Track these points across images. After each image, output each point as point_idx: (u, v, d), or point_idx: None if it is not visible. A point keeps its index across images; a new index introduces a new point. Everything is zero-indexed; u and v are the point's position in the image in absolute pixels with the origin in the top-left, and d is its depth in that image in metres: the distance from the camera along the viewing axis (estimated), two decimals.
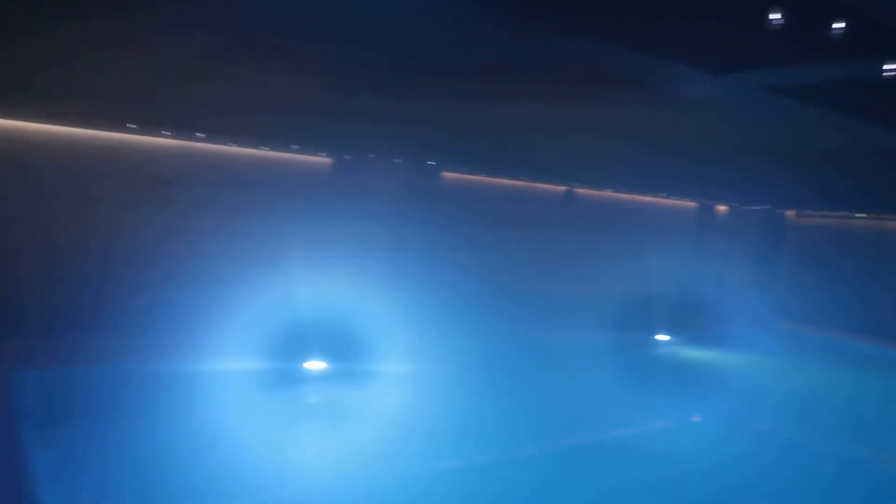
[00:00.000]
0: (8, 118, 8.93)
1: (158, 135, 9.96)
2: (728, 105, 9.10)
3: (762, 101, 8.16)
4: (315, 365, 9.94)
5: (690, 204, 17.69)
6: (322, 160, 11.62)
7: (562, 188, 15.01)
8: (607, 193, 15.91)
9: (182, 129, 9.83)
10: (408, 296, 11.10)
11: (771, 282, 17.86)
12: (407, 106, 9.50)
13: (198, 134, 10.04)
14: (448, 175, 13.24)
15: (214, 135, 10.20)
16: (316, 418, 8.42)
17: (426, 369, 10.40)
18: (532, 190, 14.64)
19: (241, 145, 10.75)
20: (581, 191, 15.33)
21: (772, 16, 3.80)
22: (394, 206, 11.92)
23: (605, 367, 12.22)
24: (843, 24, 3.34)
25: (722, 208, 18.11)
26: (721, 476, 7.36)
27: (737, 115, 10.46)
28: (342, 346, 10.07)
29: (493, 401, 9.58)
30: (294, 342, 9.91)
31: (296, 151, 11.27)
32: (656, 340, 15.60)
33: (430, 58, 7.37)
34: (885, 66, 3.73)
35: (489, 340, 12.63)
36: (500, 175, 13.83)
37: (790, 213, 18.79)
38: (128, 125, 9.41)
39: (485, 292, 13.28)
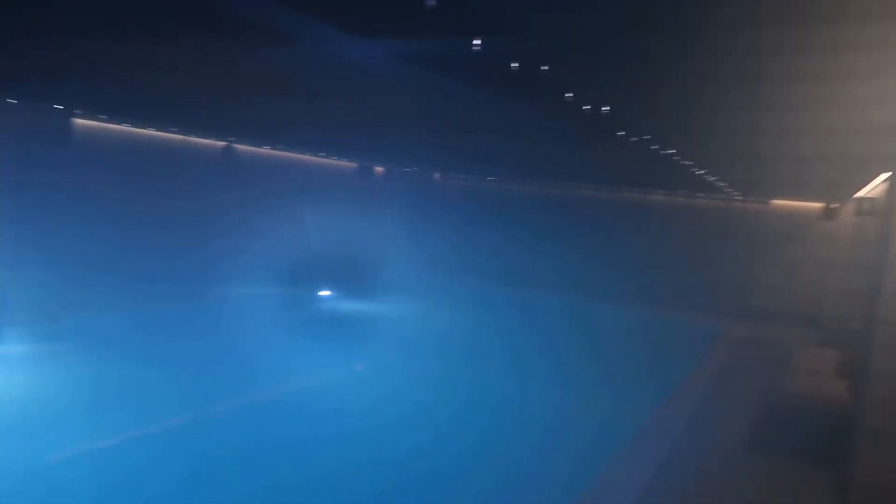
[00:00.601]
0: None
1: None
2: (374, 70, 9.59)
3: (403, 69, 8.78)
4: None
5: (350, 164, 18.44)
6: None
7: (220, 143, 14.37)
8: (269, 151, 15.71)
9: None
10: (38, 260, 9.63)
11: (421, 237, 19.64)
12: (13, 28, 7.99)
13: None
14: (82, 122, 11.67)
15: None
16: None
17: (61, 337, 9.23)
18: (187, 144, 13.73)
19: None
20: (241, 147, 14.87)
21: None
22: (5, 156, 10.09)
23: (268, 324, 12.24)
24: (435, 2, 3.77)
25: (379, 169, 19.26)
26: (372, 415, 7.90)
27: (384, 80, 11.09)
28: None
29: (143, 368, 8.92)
30: None
31: None
32: (319, 296, 16.12)
33: None
34: (474, 42, 4.36)
35: (137, 305, 11.67)
36: (149, 125, 12.65)
37: (437, 175, 20.84)
38: None
39: (137, 254, 12.15)
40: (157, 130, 12.92)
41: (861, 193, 11.56)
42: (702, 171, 11.97)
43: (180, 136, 13.52)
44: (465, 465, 6.72)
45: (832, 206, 14.61)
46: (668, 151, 9.36)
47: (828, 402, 9.44)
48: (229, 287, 13.71)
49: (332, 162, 17.79)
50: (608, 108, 6.23)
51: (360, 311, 15.46)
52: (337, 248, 17.15)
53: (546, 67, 4.75)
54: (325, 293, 16.32)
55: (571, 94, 5.48)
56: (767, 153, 9.15)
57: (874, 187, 10.28)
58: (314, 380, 9.86)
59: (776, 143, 8.24)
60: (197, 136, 13.81)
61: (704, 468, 6.61)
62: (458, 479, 6.41)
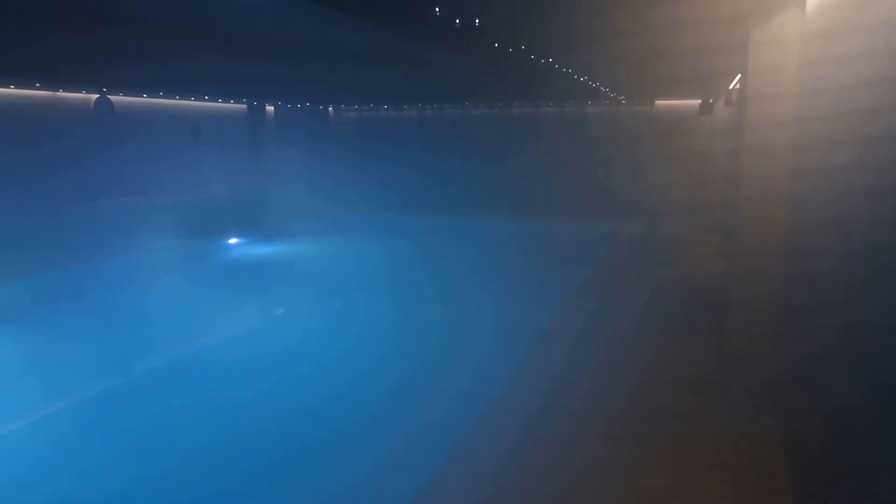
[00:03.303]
0: None
1: None
2: (255, 4, 9.23)
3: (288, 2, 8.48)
4: None
5: (240, 106, 17.84)
6: None
7: (93, 96, 13.56)
8: (149, 100, 14.97)
9: None
10: None
11: (321, 173, 19.44)
12: None
13: None
14: None
15: None
16: None
17: None
18: (56, 100, 12.90)
19: None
20: (118, 98, 14.09)
21: None
22: None
23: (186, 278, 12.04)
24: None
25: (270, 108, 18.73)
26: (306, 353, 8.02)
27: (268, 16, 10.70)
28: None
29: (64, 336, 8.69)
30: None
31: None
32: (229, 244, 15.84)
33: None
34: None
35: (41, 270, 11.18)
36: (6, 83, 11.79)
37: (330, 109, 20.48)
38: None
39: (29, 221, 11.54)
40: (21, 88, 12.07)
41: (731, 86, 12.29)
42: (584, 79, 12.36)
43: (48, 92, 12.68)
44: (423, 369, 7.08)
45: (709, 101, 15.44)
46: (547, 60, 9.62)
47: (709, 279, 10.35)
48: (136, 244, 13.25)
49: (220, 105, 17.15)
50: (478, 20, 6.36)
51: (273, 254, 15.35)
52: (239, 193, 16.79)
53: None
54: (234, 241, 16.06)
55: (439, 10, 5.56)
56: (642, 53, 9.55)
57: (739, 79, 10.97)
58: (252, 327, 9.87)
59: (648, 42, 8.61)
60: (66, 91, 12.98)
61: (604, 346, 7.24)
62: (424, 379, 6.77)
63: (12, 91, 12.02)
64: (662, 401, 5.74)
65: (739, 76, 9.97)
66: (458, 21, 6.14)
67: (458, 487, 4.49)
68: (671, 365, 6.70)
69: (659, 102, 17.73)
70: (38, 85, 12.18)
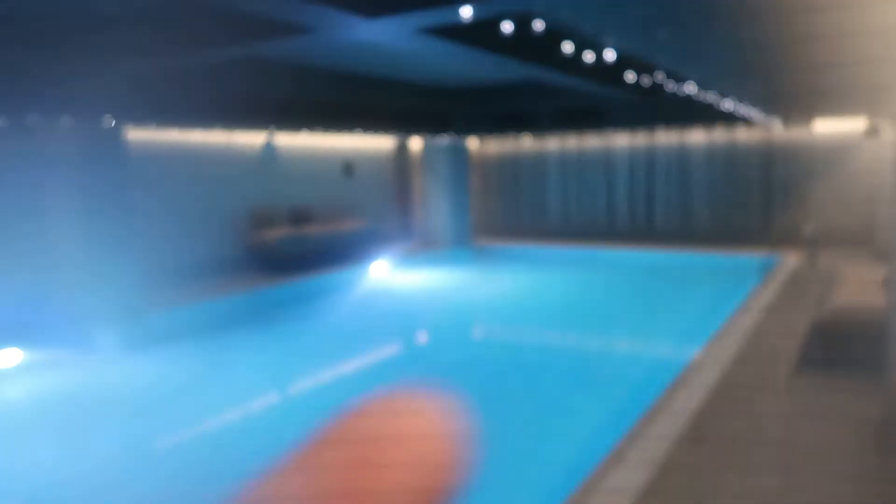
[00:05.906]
0: None
1: None
2: (392, 46, 9.91)
3: (422, 41, 9.07)
4: None
5: (387, 141, 18.87)
6: None
7: (259, 137, 14.99)
8: (304, 139, 16.28)
9: None
10: None
11: (463, 202, 19.97)
12: None
13: None
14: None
15: None
16: None
17: None
18: (229, 143, 14.41)
19: None
20: (279, 137, 15.47)
21: None
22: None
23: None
24: None
25: (417, 141, 19.61)
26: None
27: (404, 55, 11.43)
28: None
29: None
30: None
31: None
32: (374, 269, 16.70)
33: None
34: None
35: None
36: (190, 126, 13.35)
37: (471, 140, 21.07)
38: None
39: None
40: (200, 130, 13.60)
41: None
42: (728, 100, 11.91)
43: (223, 134, 14.14)
44: None
45: (875, 121, 14.21)
46: (688, 84, 9.42)
47: (872, 312, 9.44)
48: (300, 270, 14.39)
49: (369, 141, 18.19)
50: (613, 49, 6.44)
51: (417, 278, 15.97)
52: (386, 222, 17.62)
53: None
54: (381, 264, 16.84)
55: (569, 48, 5.73)
56: (798, 68, 9.06)
57: None
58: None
59: (806, 55, 8.18)
60: (239, 131, 14.43)
61: (754, 380, 6.92)
62: None
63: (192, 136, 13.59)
64: (818, 442, 5.39)
65: None
66: (589, 56, 6.27)
67: None
68: (825, 405, 6.26)
69: (816, 124, 16.57)
70: (214, 127, 13.60)
